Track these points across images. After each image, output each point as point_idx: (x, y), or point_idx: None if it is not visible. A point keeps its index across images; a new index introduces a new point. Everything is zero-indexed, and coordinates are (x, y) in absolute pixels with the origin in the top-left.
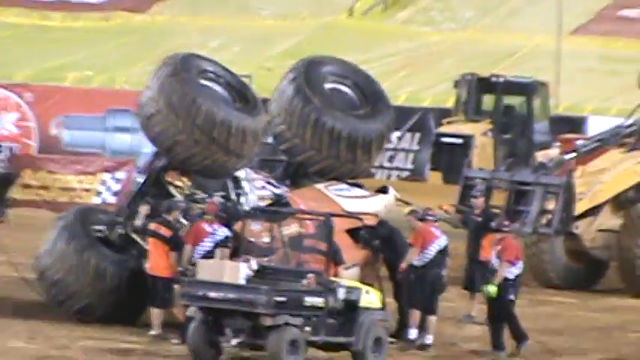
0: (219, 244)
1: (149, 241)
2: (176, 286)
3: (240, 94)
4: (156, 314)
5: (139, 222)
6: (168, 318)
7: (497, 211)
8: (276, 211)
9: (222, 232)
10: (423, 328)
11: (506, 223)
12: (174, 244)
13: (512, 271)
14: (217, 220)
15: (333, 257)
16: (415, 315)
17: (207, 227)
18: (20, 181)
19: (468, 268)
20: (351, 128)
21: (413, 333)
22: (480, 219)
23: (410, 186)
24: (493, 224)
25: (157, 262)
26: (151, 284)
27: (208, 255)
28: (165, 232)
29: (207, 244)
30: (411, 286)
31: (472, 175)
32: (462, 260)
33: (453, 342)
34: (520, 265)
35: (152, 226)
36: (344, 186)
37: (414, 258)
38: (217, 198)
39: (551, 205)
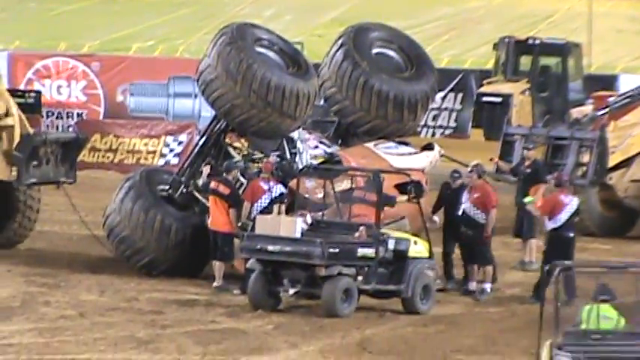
0: (275, 200)
1: (210, 198)
2: (236, 241)
3: (293, 59)
4: (217, 267)
5: (200, 181)
6: (229, 270)
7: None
8: (328, 168)
9: (278, 189)
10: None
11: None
12: (233, 201)
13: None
14: (273, 178)
15: (385, 202)
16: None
17: (263, 185)
18: (89, 145)
19: (518, 216)
20: (398, 90)
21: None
22: (529, 170)
23: (453, 143)
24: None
25: (217, 218)
26: (212, 239)
27: (265, 211)
28: (224, 189)
29: (264, 201)
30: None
31: (511, 131)
32: (510, 211)
33: (497, 287)
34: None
35: (212, 184)
36: (392, 144)
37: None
38: (273, 157)
39: (585, 158)
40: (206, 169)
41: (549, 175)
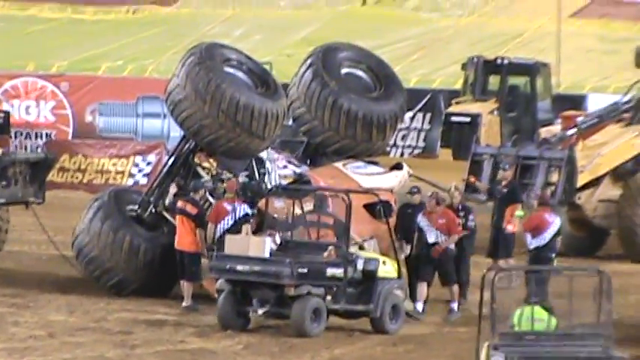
0: (239, 221)
1: (177, 218)
2: (204, 260)
3: (262, 79)
4: (186, 287)
5: (167, 200)
6: (198, 290)
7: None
8: (297, 188)
9: (243, 209)
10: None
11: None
12: (200, 220)
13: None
14: (238, 199)
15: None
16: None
17: (227, 206)
18: (58, 165)
19: (493, 237)
20: (367, 110)
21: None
22: (505, 190)
23: (422, 162)
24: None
25: (184, 237)
26: (179, 259)
27: (230, 231)
28: (191, 209)
29: (227, 222)
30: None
31: (480, 151)
32: (484, 232)
33: (465, 307)
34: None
35: (179, 204)
36: (361, 164)
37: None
38: (241, 177)
39: (554, 177)
40: (173, 188)
41: (522, 195)
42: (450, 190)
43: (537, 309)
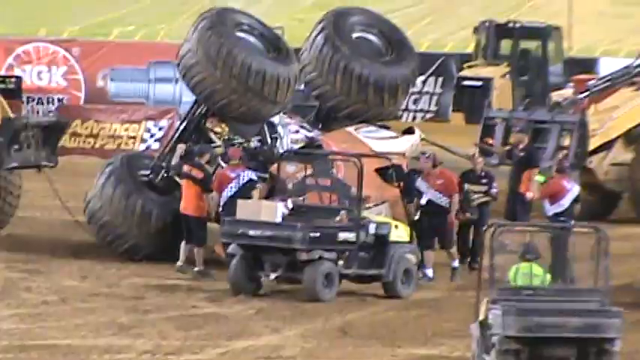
0: (243, 187)
1: (183, 182)
2: (216, 225)
3: (273, 44)
4: (196, 252)
5: (173, 160)
6: (210, 256)
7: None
8: (309, 152)
9: (247, 175)
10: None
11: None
12: (206, 185)
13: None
14: (242, 165)
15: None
16: None
17: (230, 173)
18: (70, 130)
19: (510, 200)
20: (378, 74)
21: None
22: (522, 154)
23: (434, 127)
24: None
25: (190, 202)
26: (185, 223)
27: (233, 198)
28: (197, 173)
29: (230, 189)
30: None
31: (492, 115)
32: (502, 196)
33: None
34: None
35: (185, 168)
36: (372, 128)
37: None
38: (253, 142)
39: (566, 141)
40: (179, 149)
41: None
42: (472, 156)
43: (533, 265)
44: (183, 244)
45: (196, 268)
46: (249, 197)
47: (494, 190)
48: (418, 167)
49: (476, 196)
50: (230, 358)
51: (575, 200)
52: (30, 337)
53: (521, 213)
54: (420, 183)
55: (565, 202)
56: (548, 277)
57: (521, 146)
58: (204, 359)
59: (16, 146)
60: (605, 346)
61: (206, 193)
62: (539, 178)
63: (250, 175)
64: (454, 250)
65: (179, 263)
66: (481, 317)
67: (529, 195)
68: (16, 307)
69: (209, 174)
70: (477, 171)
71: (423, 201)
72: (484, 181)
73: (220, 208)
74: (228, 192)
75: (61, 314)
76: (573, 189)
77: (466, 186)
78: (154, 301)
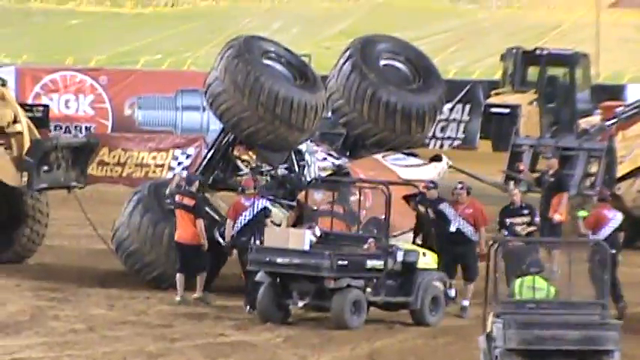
0: (257, 215)
1: (176, 212)
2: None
3: (301, 72)
4: (198, 279)
5: (167, 189)
6: (238, 282)
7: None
8: (337, 180)
9: (261, 203)
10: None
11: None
12: (198, 211)
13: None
14: (256, 194)
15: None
16: None
17: (245, 202)
18: (97, 158)
19: (541, 225)
20: (405, 102)
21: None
22: (552, 179)
23: (461, 154)
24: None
25: (185, 230)
26: (180, 252)
27: (246, 226)
28: (188, 201)
29: (244, 218)
30: None
31: (520, 142)
32: None
33: None
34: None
35: (177, 198)
36: (400, 155)
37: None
38: (280, 170)
39: (594, 168)
40: (177, 178)
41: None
42: (509, 189)
43: (537, 278)
44: (178, 276)
45: (195, 295)
46: (264, 225)
47: (537, 219)
48: (451, 198)
49: (519, 228)
50: None
51: (618, 229)
52: None
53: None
54: (448, 210)
55: (606, 231)
56: (552, 290)
57: (551, 172)
58: None
59: (45, 167)
60: (604, 358)
61: (197, 220)
62: (582, 214)
63: (265, 203)
64: (472, 286)
65: (178, 298)
66: (487, 330)
67: (557, 217)
68: (44, 336)
69: (201, 200)
70: (516, 203)
71: (453, 228)
72: (526, 212)
73: (234, 236)
74: (242, 220)
75: (89, 342)
76: (616, 217)
77: (508, 221)
78: (181, 329)
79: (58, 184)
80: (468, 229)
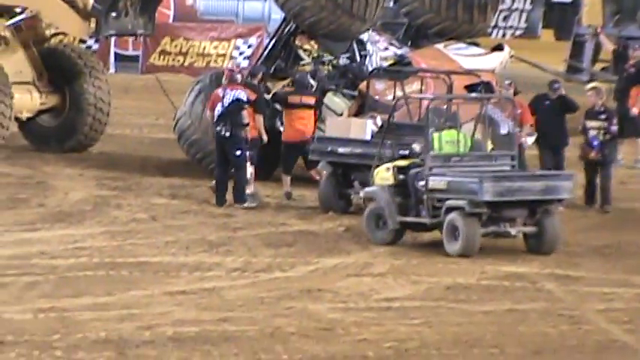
0: (228, 107)
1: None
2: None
3: None
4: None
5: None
6: (305, 177)
7: None
8: (399, 70)
9: (233, 95)
10: None
11: None
12: (259, 106)
13: None
14: (232, 85)
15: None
16: None
17: (220, 92)
18: (159, 48)
19: (618, 115)
20: None
21: None
22: (632, 69)
23: (524, 43)
24: None
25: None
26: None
27: (220, 117)
28: (250, 94)
29: (219, 108)
30: None
31: (582, 31)
32: None
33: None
34: None
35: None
36: (462, 45)
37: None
38: (342, 59)
39: None
40: (227, 72)
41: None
42: (588, 92)
43: (451, 132)
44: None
45: (248, 191)
46: (239, 117)
47: (613, 128)
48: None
49: (594, 132)
50: (320, 276)
51: None
52: (120, 254)
53: (630, 128)
54: (492, 110)
55: None
56: (469, 141)
57: (631, 62)
58: (293, 276)
59: (113, 14)
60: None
61: (257, 115)
62: None
63: (237, 94)
64: None
65: (248, 191)
66: (391, 181)
67: (635, 110)
68: (106, 225)
69: (262, 95)
70: (595, 107)
71: (504, 131)
72: (603, 117)
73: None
74: (217, 111)
75: (151, 232)
76: None
77: (586, 123)
78: (243, 218)
79: (126, 32)
80: (517, 130)
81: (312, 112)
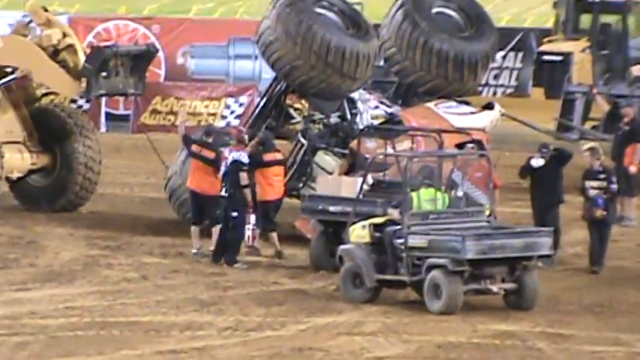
0: (227, 168)
1: (192, 161)
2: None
3: (353, 20)
4: (213, 231)
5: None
6: (292, 231)
7: None
8: (389, 128)
9: (232, 156)
10: None
11: None
12: (218, 165)
13: None
14: (239, 146)
15: None
16: None
17: (226, 153)
18: (150, 107)
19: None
20: (458, 49)
21: None
22: (627, 128)
23: (514, 102)
24: None
25: (204, 180)
26: (196, 203)
27: (223, 177)
28: (208, 154)
29: (223, 169)
30: None
31: (572, 89)
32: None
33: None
34: None
35: (194, 147)
36: (452, 103)
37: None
38: (333, 118)
39: None
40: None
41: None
42: (584, 153)
43: (430, 190)
44: (193, 228)
45: (212, 248)
46: (237, 178)
47: (613, 186)
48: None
49: (594, 192)
50: (311, 334)
51: None
52: (111, 314)
53: (626, 187)
54: (455, 173)
55: None
56: (447, 199)
57: (625, 120)
58: (285, 335)
59: (104, 74)
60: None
61: (218, 173)
62: None
63: (237, 156)
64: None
65: (194, 250)
66: (367, 240)
67: (632, 169)
68: (97, 284)
69: (219, 153)
70: (593, 167)
71: (460, 194)
72: (602, 176)
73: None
74: (221, 171)
75: (142, 291)
76: None
77: (586, 183)
78: (234, 277)
79: (116, 91)
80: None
81: (282, 168)
